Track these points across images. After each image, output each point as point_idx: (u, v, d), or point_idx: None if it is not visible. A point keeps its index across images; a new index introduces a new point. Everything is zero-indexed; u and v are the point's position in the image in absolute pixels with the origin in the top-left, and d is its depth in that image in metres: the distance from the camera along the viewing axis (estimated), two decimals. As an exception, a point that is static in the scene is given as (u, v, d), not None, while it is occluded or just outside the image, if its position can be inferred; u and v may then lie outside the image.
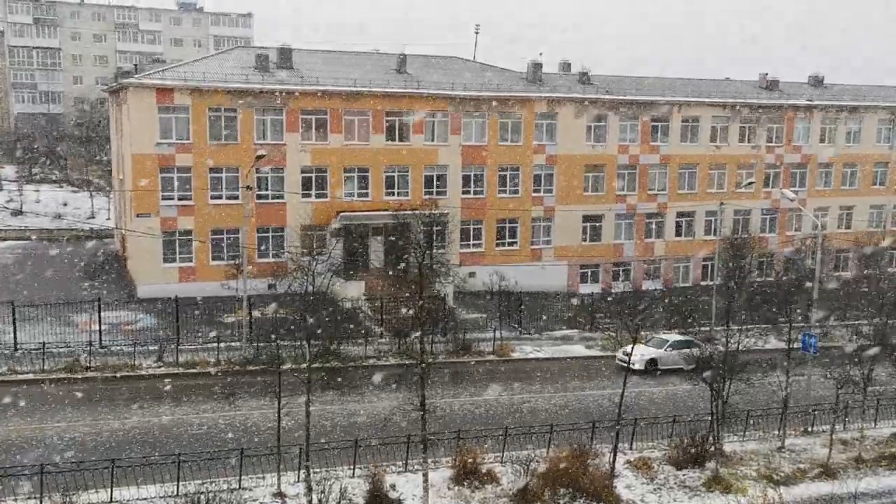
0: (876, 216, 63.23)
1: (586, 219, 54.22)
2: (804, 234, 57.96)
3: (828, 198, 61.46)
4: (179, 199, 44.58)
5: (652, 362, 37.82)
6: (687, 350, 34.68)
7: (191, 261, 45.14)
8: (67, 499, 21.09)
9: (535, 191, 52.61)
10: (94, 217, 68.19)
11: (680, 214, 56.88)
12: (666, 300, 46.70)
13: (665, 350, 38.17)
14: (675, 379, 35.46)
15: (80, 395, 30.15)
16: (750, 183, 54.31)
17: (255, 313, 36.86)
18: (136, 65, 54.22)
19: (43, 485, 21.59)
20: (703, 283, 54.62)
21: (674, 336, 39.27)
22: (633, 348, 28.43)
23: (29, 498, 21.72)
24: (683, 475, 26.74)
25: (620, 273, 55.48)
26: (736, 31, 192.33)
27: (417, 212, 45.25)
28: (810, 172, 60.60)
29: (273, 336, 24.58)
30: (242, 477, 23.53)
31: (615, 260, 55.46)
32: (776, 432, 30.32)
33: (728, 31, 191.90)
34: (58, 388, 30.70)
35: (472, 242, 51.35)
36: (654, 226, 56.49)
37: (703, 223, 57.13)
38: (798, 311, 36.27)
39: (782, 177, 59.43)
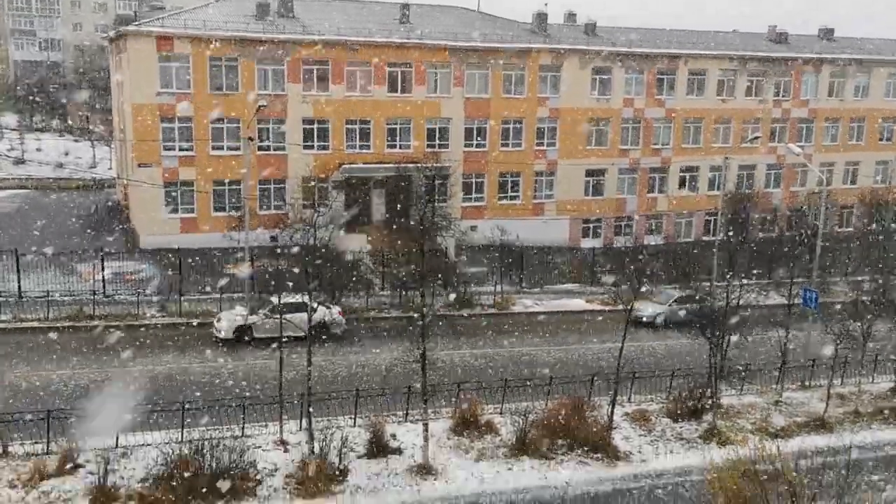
0: (882, 172, 62.86)
1: (589, 173, 53.98)
2: (809, 189, 57.72)
3: (834, 153, 61.05)
4: (180, 149, 44.38)
5: (661, 317, 38.61)
6: (691, 306, 34.92)
7: (193, 212, 45.12)
8: (73, 443, 21.44)
9: (537, 144, 52.29)
10: (95, 167, 68.04)
11: (684, 169, 56.58)
12: (667, 255, 46.73)
13: (670, 306, 38.51)
14: (675, 333, 35.64)
15: (84, 343, 30.44)
16: (756, 138, 53.89)
17: (258, 265, 37.00)
18: (135, 12, 53.41)
19: (49, 430, 21.95)
20: (705, 239, 54.56)
21: (677, 292, 39.50)
22: (635, 304, 28.56)
23: (36, 443, 22.09)
24: (680, 427, 27.09)
25: (622, 228, 55.43)
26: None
27: (419, 165, 45.07)
28: (817, 127, 60.10)
29: (276, 287, 24.69)
30: (245, 425, 23.88)
31: (617, 215, 55.36)
32: (774, 387, 30.63)
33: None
34: (62, 336, 30.97)
35: (473, 196, 51.22)
36: (657, 180, 56.25)
37: (707, 178, 56.86)
38: (800, 266, 36.34)
39: (789, 131, 58.94)
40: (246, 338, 31.77)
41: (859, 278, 44.56)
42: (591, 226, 54.77)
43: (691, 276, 40.62)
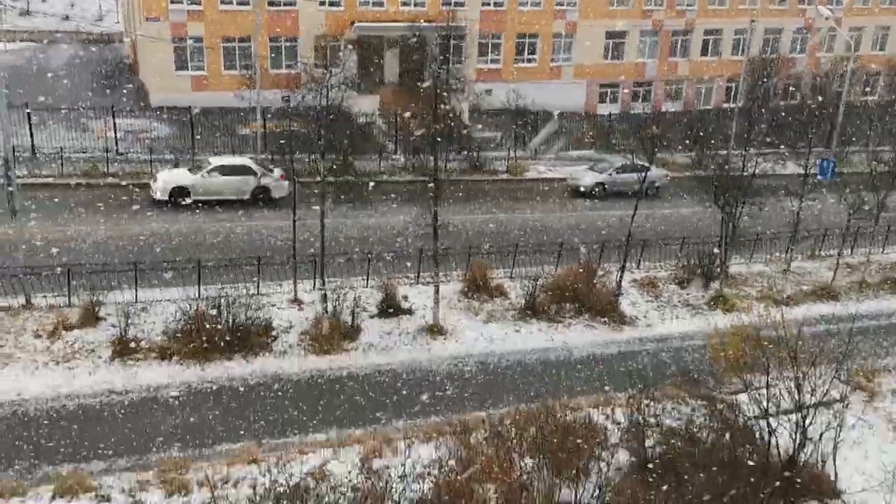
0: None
1: (609, 35, 52.20)
2: (835, 55, 55.85)
3: (865, 17, 58.61)
4: (189, 2, 43.05)
5: (599, 186, 37.39)
6: (635, 175, 33.93)
7: (203, 69, 44.32)
8: (95, 297, 22.08)
9: (557, 4, 50.33)
10: (101, 19, 66.39)
11: (708, 32, 54.63)
12: (685, 122, 45.92)
13: (610, 174, 37.32)
14: (687, 202, 35.46)
15: (99, 200, 30.73)
16: (784, -1, 51.67)
17: (270, 126, 36.69)
18: None
19: (70, 283, 22.55)
20: (725, 106, 53.42)
21: (620, 160, 36.60)
22: (573, 172, 27.67)
23: (58, 296, 22.75)
24: (687, 294, 27.53)
25: (641, 93, 54.22)
26: None
27: (434, 24, 43.69)
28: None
29: (288, 148, 24.56)
30: (260, 283, 24.43)
31: (637, 79, 54.01)
32: (783, 256, 30.82)
33: None
34: (77, 192, 31.21)
35: (489, 58, 49.89)
36: (679, 44, 54.47)
37: (731, 42, 55.00)
38: (820, 136, 35.74)
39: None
40: (182, 199, 30.96)
41: (880, 148, 43.87)
42: (608, 91, 53.57)
43: (708, 144, 40.04)
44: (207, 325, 20.95)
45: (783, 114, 44.59)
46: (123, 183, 32.79)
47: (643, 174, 26.11)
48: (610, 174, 37.33)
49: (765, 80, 47.15)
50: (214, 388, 20.01)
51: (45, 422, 18.09)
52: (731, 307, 26.38)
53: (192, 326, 21.05)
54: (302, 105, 23.97)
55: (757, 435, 16.67)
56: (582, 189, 37.18)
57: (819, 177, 31.29)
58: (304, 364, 21.37)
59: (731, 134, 41.12)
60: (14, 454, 16.96)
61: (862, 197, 28.88)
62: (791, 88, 55.19)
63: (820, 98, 44.36)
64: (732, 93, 53.23)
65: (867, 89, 57.50)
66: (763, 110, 43.57)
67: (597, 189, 37.33)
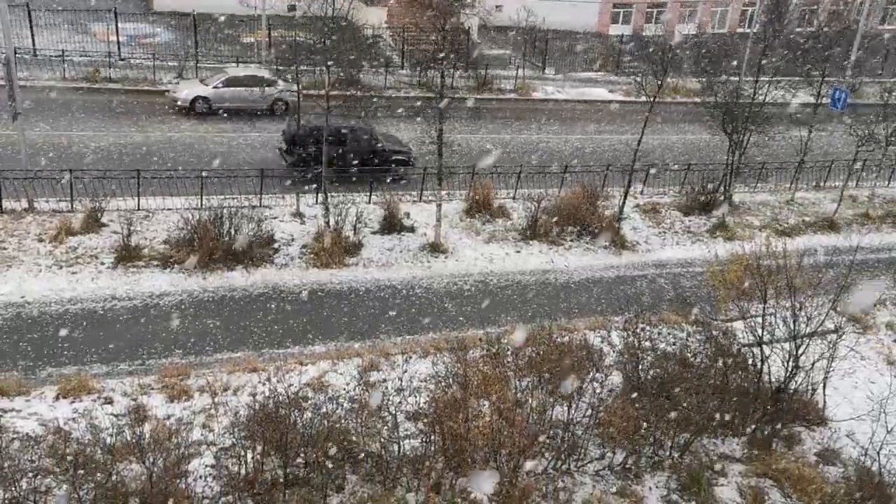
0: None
1: (626, -48, 50.74)
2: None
3: (889, -57, 56.81)
4: None
5: (201, 100, 31.01)
6: (250, 89, 30.50)
7: (208, -26, 43.13)
8: (97, 203, 22.09)
9: (573, -83, 48.67)
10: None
11: (727, -48, 53.05)
12: (698, 46, 44.97)
13: (217, 87, 31.32)
14: (695, 128, 34.99)
15: (101, 105, 30.42)
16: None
17: (275, 34, 35.98)
18: None
19: (73, 188, 22.53)
20: (740, 31, 52.25)
21: (234, 71, 32.98)
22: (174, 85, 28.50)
23: (60, 200, 22.76)
24: (690, 221, 27.51)
25: (654, 14, 52.94)
26: None
27: (446, -66, 42.28)
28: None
29: (292, 59, 24.14)
30: (263, 196, 24.40)
31: (650, 0, 52.67)
32: (788, 186, 30.67)
33: None
34: (79, 96, 30.86)
35: (501, -28, 48.49)
36: (697, -36, 52.95)
37: (750, -36, 53.43)
38: (834, 65, 35.05)
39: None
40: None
41: (894, 80, 43.10)
42: (621, 11, 52.31)
43: (719, 69, 39.27)
44: (208, 237, 20.99)
45: (799, 40, 43.65)
46: (126, 88, 32.38)
47: (263, 88, 23.03)
48: (216, 87, 31.23)
49: (782, 5, 45.87)
50: (216, 297, 20.21)
51: (48, 324, 18.35)
52: (732, 235, 26.39)
53: (193, 236, 21.11)
54: (308, 14, 23.44)
55: (750, 362, 16.91)
56: (179, 104, 30.94)
57: (831, 107, 30.81)
58: (306, 277, 21.53)
59: (744, 59, 40.32)
60: (18, 354, 17.26)
61: (872, 128, 28.53)
62: (807, 15, 53.83)
63: (836, 27, 43.30)
64: (748, 17, 51.99)
65: (887, 19, 56.18)
66: (778, 36, 42.60)
67: (199, 104, 30.92)
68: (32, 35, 33.80)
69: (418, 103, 32.15)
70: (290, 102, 31.20)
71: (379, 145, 27.30)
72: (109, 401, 15.71)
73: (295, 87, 24.99)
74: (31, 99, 28.69)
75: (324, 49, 22.77)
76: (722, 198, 28.10)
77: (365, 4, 41.47)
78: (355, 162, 25.87)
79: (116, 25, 35.28)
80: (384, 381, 16.25)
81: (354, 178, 25.57)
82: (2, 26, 22.05)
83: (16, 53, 26.37)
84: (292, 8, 25.64)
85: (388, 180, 26.58)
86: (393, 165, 27.21)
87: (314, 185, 24.69)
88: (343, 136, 26.25)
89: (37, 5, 35.03)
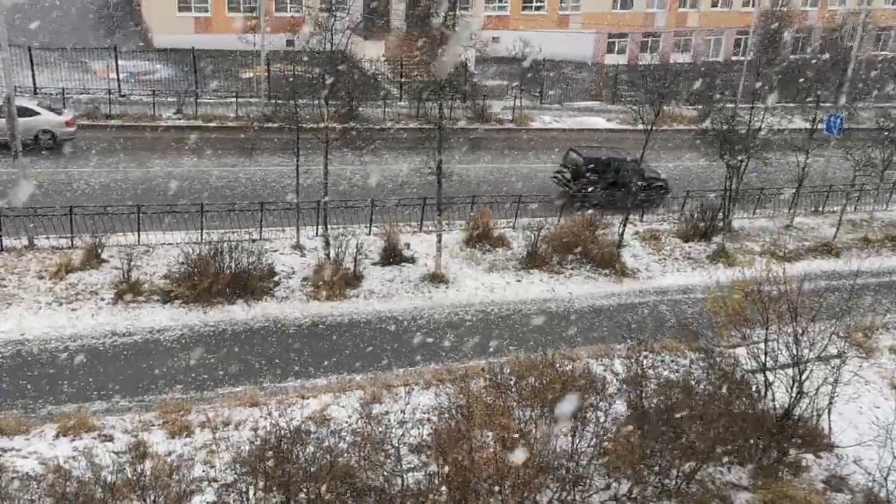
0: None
1: (619, -17, 51.35)
2: (848, 9, 54.85)
3: (879, -29, 57.48)
4: (193, -58, 42.28)
5: None
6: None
7: (207, 11, 43.65)
8: (97, 239, 22.11)
9: (567, -50, 49.41)
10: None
11: (719, -18, 53.66)
12: (693, 74, 45.34)
13: None
14: (693, 155, 35.05)
15: (102, 142, 30.59)
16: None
17: (274, 69, 36.27)
18: None
19: (73, 225, 22.57)
20: (734, 59, 52.71)
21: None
22: None
23: (60, 237, 22.79)
24: (690, 248, 27.52)
25: (649, 44, 53.42)
26: None
27: (442, -32, 42.88)
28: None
29: (292, 94, 24.32)
30: (263, 229, 24.44)
31: (645, 30, 53.18)
32: (787, 211, 30.73)
33: None
34: (79, 133, 31.01)
35: (496, 5, 49.10)
36: (690, -6, 53.53)
37: (743, -7, 54.04)
38: (829, 90, 35.31)
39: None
40: None
41: (890, 104, 43.38)
42: (616, 41, 52.79)
43: (715, 97, 39.54)
44: (209, 271, 20.98)
45: (793, 68, 44.01)
46: (126, 124, 32.58)
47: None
48: None
49: (776, 33, 46.36)
50: (216, 331, 20.15)
51: (48, 361, 18.28)
52: (732, 262, 26.38)
53: (194, 271, 21.10)
54: (306, 49, 23.66)
55: (753, 388, 16.82)
56: None
57: (827, 132, 30.96)
58: (306, 309, 21.49)
59: (739, 87, 40.63)
60: (17, 393, 17.17)
61: (868, 153, 28.65)
62: (802, 42, 54.37)
63: (830, 53, 43.74)
64: (742, 45, 52.46)
65: (879, 44, 56.69)
66: (772, 64, 42.98)
67: None
68: (33, 74, 34.08)
69: (416, 134, 32.37)
70: (57, 135, 29.28)
71: (646, 175, 29.14)
72: (110, 438, 15.60)
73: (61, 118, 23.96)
74: (32, 136, 28.85)
75: (323, 83, 22.94)
76: (721, 224, 28.13)
77: (362, 39, 41.87)
78: (625, 189, 27.31)
79: (116, 63, 35.59)
80: (387, 413, 16.16)
81: (628, 205, 26.64)
82: (3, 65, 22.24)
83: (16, 92, 26.55)
84: (290, 43, 25.91)
85: (654, 206, 29.61)
86: (655, 192, 29.79)
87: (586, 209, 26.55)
88: (618, 166, 28.58)
89: (38, 45, 35.36)
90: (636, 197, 27.19)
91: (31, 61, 34.02)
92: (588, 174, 28.51)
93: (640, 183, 27.56)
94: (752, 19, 46.01)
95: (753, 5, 48.73)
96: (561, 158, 31.06)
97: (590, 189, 27.96)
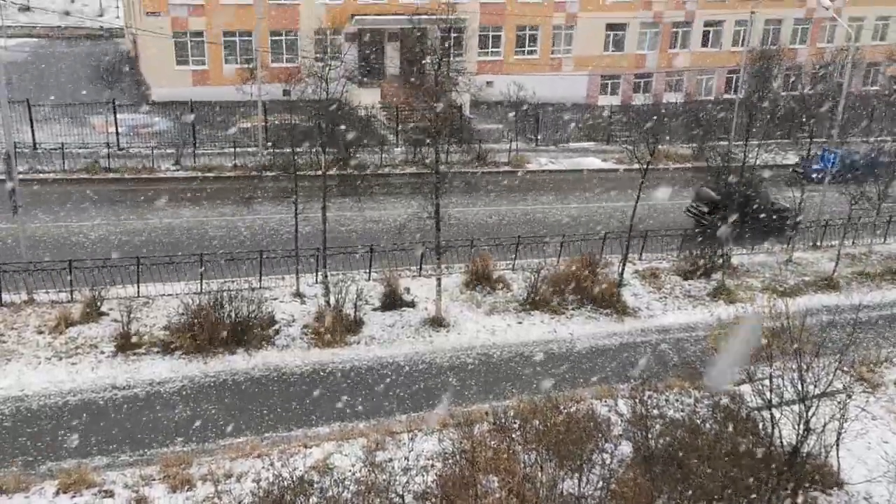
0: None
1: (610, 27, 52.07)
2: (836, 46, 55.65)
3: (864, 6, 58.40)
4: (189, -3, 43.00)
5: None
6: None
7: (204, 64, 44.23)
8: (97, 292, 22.09)
9: (557, -5, 50.24)
10: (102, 15, 66.23)
11: (708, 24, 54.46)
12: (686, 114, 45.85)
13: None
14: (689, 193, 35.37)
15: (101, 195, 30.75)
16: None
17: (271, 119, 36.61)
18: None
19: (73, 278, 22.56)
20: (726, 97, 53.30)
21: None
22: None
23: (60, 291, 22.76)
24: (690, 285, 27.50)
25: (642, 85, 54.08)
26: None
27: (434, 16, 43.57)
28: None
29: (289, 142, 24.53)
30: (263, 277, 24.44)
31: (637, 71, 53.87)
32: (785, 247, 30.79)
33: None
34: (79, 188, 31.20)
35: (490, 50, 49.78)
36: (679, 35, 54.33)
37: (732, 33, 54.83)
38: (821, 126, 35.70)
39: (820, -17, 56.17)
40: None
41: (881, 139, 43.76)
42: (609, 82, 53.43)
43: (708, 135, 39.92)
44: (209, 321, 20.93)
45: (785, 105, 44.52)
46: (125, 177, 32.77)
47: None
48: None
49: (766, 71, 46.98)
50: (217, 382, 20.03)
51: (48, 417, 18.12)
52: (733, 298, 26.35)
53: (194, 321, 21.05)
54: (303, 98, 23.92)
55: (760, 426, 16.67)
56: None
57: (822, 167, 31.19)
58: (307, 357, 21.38)
59: (732, 125, 41.05)
60: (17, 450, 16.99)
61: (863, 187, 28.82)
62: (792, 79, 55.04)
63: (820, 90, 44.24)
64: (733, 84, 53.10)
65: (868, 80, 57.41)
66: (764, 101, 43.49)
67: None
68: (32, 130, 34.39)
69: (414, 179, 32.59)
70: None
71: (775, 205, 31.19)
72: (110, 494, 15.42)
73: None
74: (32, 192, 29.05)
75: (319, 131, 23.15)
76: (720, 261, 28.15)
77: (358, 86, 42.35)
78: (757, 220, 29.65)
79: (115, 117, 35.93)
80: (390, 460, 15.99)
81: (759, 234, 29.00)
82: (2, 122, 22.45)
83: (16, 148, 26.77)
84: (287, 92, 26.30)
85: (781, 234, 30.74)
86: (781, 221, 31.17)
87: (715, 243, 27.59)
88: (753, 199, 30.16)
89: (37, 101, 35.75)
90: (766, 226, 29.50)
91: (31, 117, 34.36)
92: (725, 207, 29.40)
93: (771, 213, 29.75)
94: (741, 58, 46.68)
95: (743, 45, 49.44)
96: (666, 194, 32.81)
97: (726, 221, 28.48)
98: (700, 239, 29.09)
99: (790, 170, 36.60)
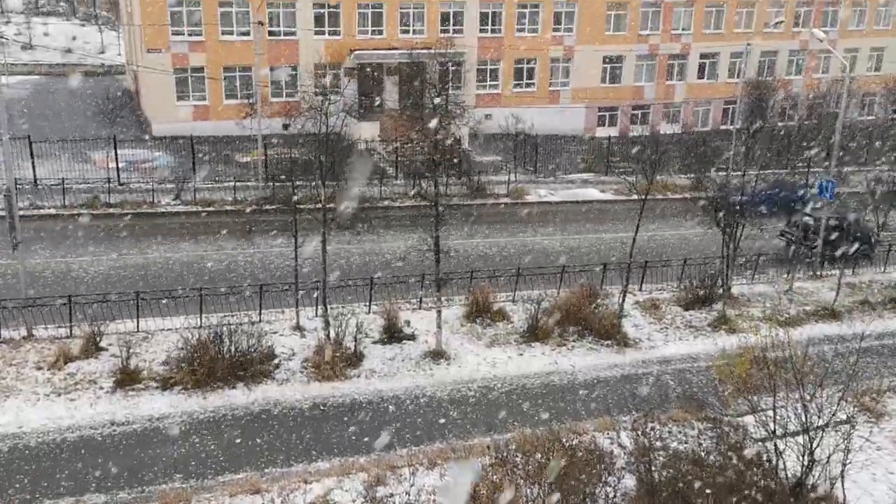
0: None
1: (606, 60, 52.64)
2: (832, 77, 56.17)
3: (858, 38, 59.09)
4: (190, 34, 43.48)
5: None
6: None
7: (204, 99, 44.61)
8: (96, 328, 22.02)
9: (554, 30, 50.80)
10: (104, 52, 66.91)
11: (704, 56, 55.06)
12: (684, 144, 46.09)
13: None
14: (688, 223, 35.50)
15: (101, 230, 30.79)
16: (779, 22, 52.13)
17: (271, 153, 36.83)
18: None
19: (72, 314, 22.51)
20: (723, 128, 53.71)
21: None
22: None
23: (59, 327, 22.69)
24: (690, 315, 27.44)
25: (639, 116, 54.49)
26: None
27: (432, 51, 44.03)
28: (843, 11, 57.92)
29: (289, 176, 24.64)
30: (262, 311, 24.38)
31: (635, 103, 54.32)
32: (785, 276, 30.77)
33: None
34: (79, 223, 31.27)
35: (488, 84, 50.25)
36: (676, 68, 54.89)
37: (728, 65, 55.40)
38: (818, 156, 35.93)
39: (814, 15, 56.91)
40: None
41: (878, 168, 43.98)
42: (607, 114, 53.86)
43: (706, 165, 40.06)
44: (208, 356, 20.84)
45: (781, 135, 44.80)
46: (124, 212, 32.86)
47: None
48: None
49: (762, 102, 47.39)
50: (216, 417, 19.89)
51: (46, 454, 17.96)
52: (734, 328, 26.27)
53: (193, 356, 20.96)
54: (302, 132, 24.07)
55: (764, 458, 16.52)
56: None
57: (819, 196, 31.29)
58: (307, 391, 21.26)
59: (730, 155, 41.26)
60: (13, 488, 16.81)
61: (862, 216, 28.90)
62: (788, 110, 55.47)
63: (817, 120, 44.56)
64: (730, 114, 53.50)
65: (864, 110, 57.84)
66: (760, 131, 43.74)
67: None
68: (33, 166, 34.57)
69: (413, 212, 32.65)
70: None
71: (862, 230, 32.46)
72: (109, 531, 15.23)
73: None
74: (33, 228, 29.13)
75: (319, 165, 23.25)
76: (720, 291, 28.12)
77: (357, 120, 42.67)
78: (849, 242, 30.38)
79: (116, 152, 36.13)
80: (391, 495, 15.84)
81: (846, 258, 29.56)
82: (3, 159, 22.57)
83: (17, 184, 26.90)
84: (286, 127, 26.55)
85: (868, 258, 31.85)
86: (870, 246, 32.35)
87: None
88: (845, 224, 31.99)
89: (38, 137, 35.96)
90: (859, 250, 30.79)
91: (32, 153, 34.55)
92: (822, 232, 31.07)
93: (859, 238, 31.16)
94: (737, 90, 47.08)
95: (738, 76, 49.90)
96: (783, 222, 34.10)
97: (822, 246, 31.10)
98: (793, 262, 30.61)
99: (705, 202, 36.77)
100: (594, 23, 51.29)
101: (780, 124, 50.92)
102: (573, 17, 50.95)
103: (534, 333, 24.83)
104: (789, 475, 16.44)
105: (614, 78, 53.39)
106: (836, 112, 45.30)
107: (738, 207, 27.19)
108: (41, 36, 68.29)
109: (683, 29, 54.05)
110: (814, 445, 16.15)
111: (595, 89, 52.64)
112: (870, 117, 57.93)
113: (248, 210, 33.36)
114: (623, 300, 26.42)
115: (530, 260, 30.62)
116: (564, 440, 15.62)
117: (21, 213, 24.73)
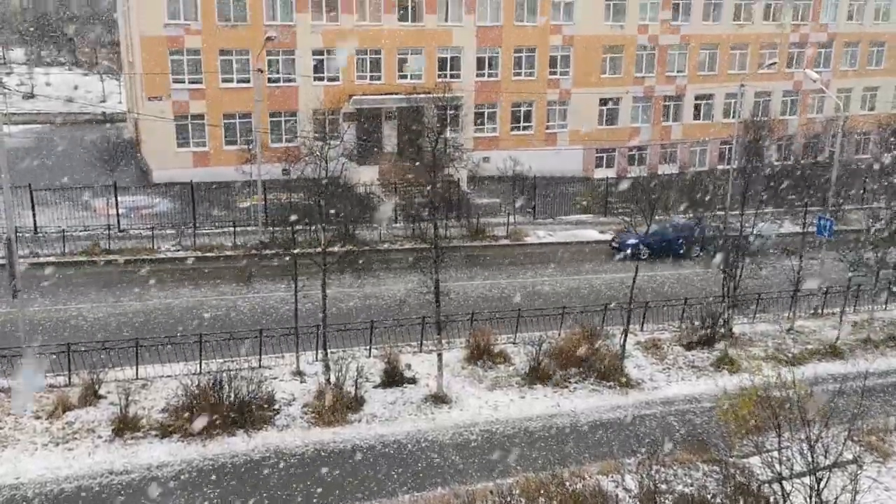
0: (901, 97, 61.58)
1: (603, 102, 53.20)
2: (826, 116, 56.73)
3: (852, 78, 59.80)
4: (190, 82, 43.98)
5: None
6: None
7: (204, 145, 44.95)
8: (95, 376, 21.89)
9: (551, 73, 51.42)
10: (105, 101, 67.62)
11: (699, 97, 55.68)
12: (681, 184, 46.33)
13: None
14: (688, 263, 35.61)
15: (101, 277, 30.78)
16: (773, 63, 52.79)
17: (270, 197, 36.98)
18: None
19: (71, 362, 22.38)
20: (720, 168, 54.03)
21: None
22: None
23: (58, 375, 22.55)
24: (693, 356, 27.29)
25: (636, 157, 54.87)
26: None
27: (430, 95, 44.51)
28: (835, 52, 58.72)
29: (289, 221, 24.71)
30: (262, 356, 24.26)
31: (631, 144, 54.74)
32: (786, 315, 30.69)
33: None
34: (78, 270, 31.28)
35: (486, 126, 50.70)
36: (671, 109, 55.43)
37: (723, 106, 55.98)
38: (815, 194, 36.05)
39: (807, 57, 57.66)
40: None
41: (875, 206, 44.16)
42: (604, 155, 54.24)
43: (704, 205, 40.25)
44: (208, 403, 20.68)
45: (778, 174, 44.98)
46: (124, 259, 32.90)
47: None
48: None
49: (758, 142, 47.71)
50: (216, 465, 19.66)
51: (44, 505, 17.72)
52: (737, 368, 26.12)
53: (193, 403, 20.79)
54: (302, 177, 24.20)
55: (771, 499, 16.30)
56: None
57: (818, 235, 31.35)
58: (308, 437, 21.05)
59: (727, 195, 41.44)
60: (11, 539, 16.56)
61: (861, 254, 28.91)
62: (785, 149, 55.90)
63: (812, 159, 44.88)
64: (726, 154, 53.86)
65: (858, 149, 58.29)
66: (757, 171, 43.95)
67: None
68: (34, 214, 34.70)
69: (413, 255, 32.67)
70: None
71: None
72: (106, 584, 14.95)
73: None
74: (33, 275, 29.11)
75: (318, 209, 23.34)
76: (722, 330, 28.03)
77: (356, 165, 42.98)
78: None
79: (116, 199, 36.29)
80: (393, 544, 15.57)
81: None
82: (4, 207, 22.63)
83: (17, 232, 26.96)
84: (286, 171, 26.74)
85: None
86: None
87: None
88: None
89: (39, 185, 36.15)
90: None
91: (32, 201, 34.70)
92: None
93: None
94: (733, 130, 47.43)
95: (734, 117, 50.35)
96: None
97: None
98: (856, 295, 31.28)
99: (608, 244, 38.87)
100: (590, 66, 51.94)
101: (777, 164, 51.23)
102: (569, 61, 51.60)
103: (535, 375, 24.68)
104: (797, 517, 16.19)
105: (611, 119, 53.91)
106: (833, 151, 45.73)
107: (631, 248, 27.04)
108: (43, 86, 69.08)
109: (678, 71, 54.73)
110: (821, 486, 15.94)
111: (592, 131, 53.12)
112: (865, 156, 58.32)
113: (247, 255, 33.39)
114: (625, 340, 26.31)
115: (531, 301, 30.58)
116: (568, 484, 15.42)
117: (21, 261, 24.76)
